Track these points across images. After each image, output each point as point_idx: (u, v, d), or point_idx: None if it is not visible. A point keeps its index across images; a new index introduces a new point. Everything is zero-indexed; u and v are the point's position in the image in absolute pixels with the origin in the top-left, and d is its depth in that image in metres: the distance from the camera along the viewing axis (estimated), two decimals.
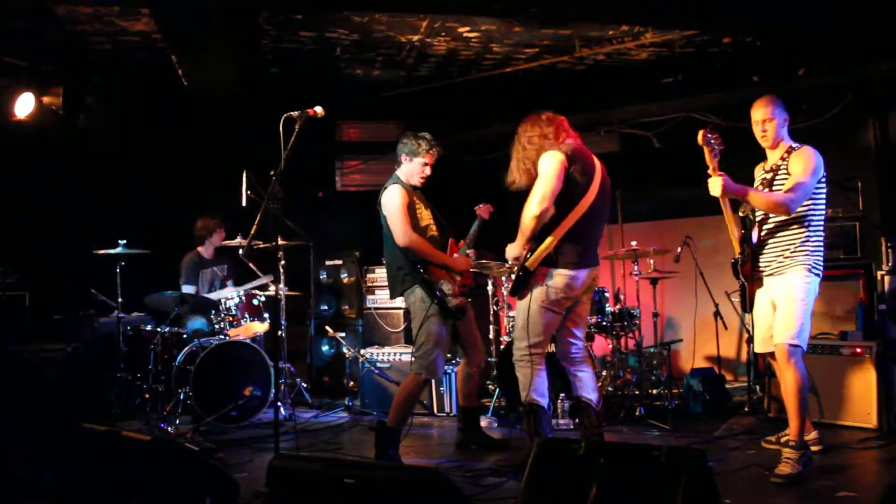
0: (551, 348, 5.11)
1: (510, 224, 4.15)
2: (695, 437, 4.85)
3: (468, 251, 4.60)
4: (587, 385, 4.16)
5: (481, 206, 4.88)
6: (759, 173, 4.23)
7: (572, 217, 3.95)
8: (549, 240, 3.95)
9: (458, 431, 4.89)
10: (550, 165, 3.91)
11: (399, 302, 6.82)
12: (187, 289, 6.25)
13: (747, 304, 4.30)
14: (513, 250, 4.07)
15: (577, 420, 5.09)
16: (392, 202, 4.33)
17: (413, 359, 4.39)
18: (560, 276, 3.98)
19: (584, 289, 4.10)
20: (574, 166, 3.95)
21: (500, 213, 4.95)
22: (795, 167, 3.98)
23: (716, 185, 3.90)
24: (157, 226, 6.69)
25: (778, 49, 6.24)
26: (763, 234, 4.13)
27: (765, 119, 4.09)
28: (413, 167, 4.50)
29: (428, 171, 4.53)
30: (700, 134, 3.91)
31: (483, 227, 4.81)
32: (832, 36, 5.80)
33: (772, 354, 4.20)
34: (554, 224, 3.95)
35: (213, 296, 6.09)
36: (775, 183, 4.07)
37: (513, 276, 4.13)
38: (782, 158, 4.08)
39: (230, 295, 5.93)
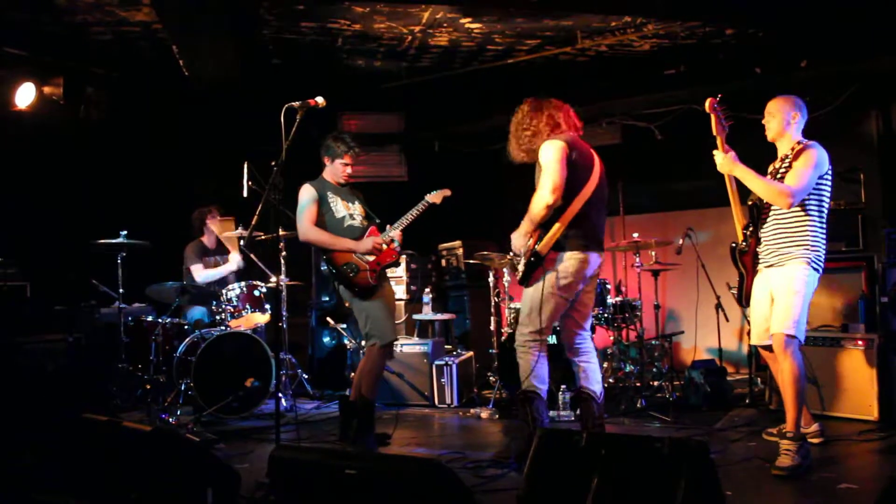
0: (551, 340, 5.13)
1: (512, 215, 4.14)
2: (696, 428, 4.85)
3: (392, 233, 4.74)
4: (591, 376, 4.15)
5: (435, 193, 4.94)
6: (770, 170, 4.21)
7: (577, 203, 3.97)
8: (556, 226, 3.96)
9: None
10: (553, 154, 3.91)
11: (400, 293, 6.86)
12: (195, 268, 6.25)
13: (744, 299, 4.29)
14: (519, 239, 4.06)
15: (577, 412, 5.10)
16: (299, 201, 4.69)
17: (366, 337, 4.62)
18: (570, 260, 3.98)
19: (592, 273, 4.10)
20: (573, 154, 3.97)
21: (500, 204, 4.93)
22: (798, 162, 3.98)
23: (723, 160, 3.93)
24: (157, 216, 6.68)
25: (780, 40, 6.22)
26: (765, 224, 4.12)
27: (769, 111, 4.13)
28: (335, 168, 4.77)
29: (349, 170, 4.77)
30: (708, 102, 3.94)
31: (429, 209, 4.86)
32: (835, 28, 5.78)
33: (766, 347, 4.21)
34: (560, 211, 3.96)
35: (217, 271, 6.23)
36: (778, 177, 4.06)
37: (520, 268, 4.11)
38: (791, 150, 4.08)
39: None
